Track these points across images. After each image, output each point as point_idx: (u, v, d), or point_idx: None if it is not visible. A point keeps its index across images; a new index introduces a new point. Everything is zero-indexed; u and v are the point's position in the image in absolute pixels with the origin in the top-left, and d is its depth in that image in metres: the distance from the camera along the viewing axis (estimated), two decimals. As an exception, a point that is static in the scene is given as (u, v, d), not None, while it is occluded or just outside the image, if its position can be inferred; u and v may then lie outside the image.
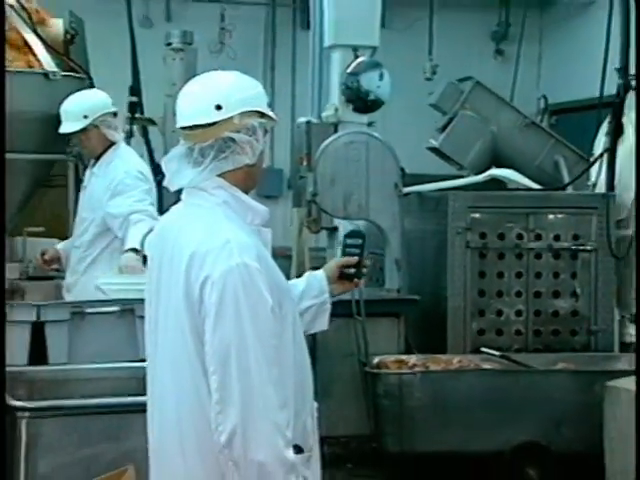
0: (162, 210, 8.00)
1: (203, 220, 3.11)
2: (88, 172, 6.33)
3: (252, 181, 3.19)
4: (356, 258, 3.46)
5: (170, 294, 3.10)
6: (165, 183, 3.23)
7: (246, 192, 3.18)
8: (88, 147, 6.23)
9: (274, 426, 2.90)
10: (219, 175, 3.11)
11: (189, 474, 3.03)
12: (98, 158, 6.23)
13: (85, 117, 6.07)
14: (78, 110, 6.09)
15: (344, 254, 3.51)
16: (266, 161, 3.30)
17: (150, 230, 5.77)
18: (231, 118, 3.08)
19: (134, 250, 5.92)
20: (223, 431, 2.87)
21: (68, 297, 6.11)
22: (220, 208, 3.10)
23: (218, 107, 3.08)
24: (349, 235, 3.58)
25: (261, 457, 2.86)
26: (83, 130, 6.09)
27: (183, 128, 3.16)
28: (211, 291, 2.95)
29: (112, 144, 6.23)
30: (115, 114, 6.27)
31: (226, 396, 2.89)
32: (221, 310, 2.94)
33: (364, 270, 3.52)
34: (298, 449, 3.05)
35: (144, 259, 5.73)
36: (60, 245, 6.44)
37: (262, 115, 3.14)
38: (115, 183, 6.13)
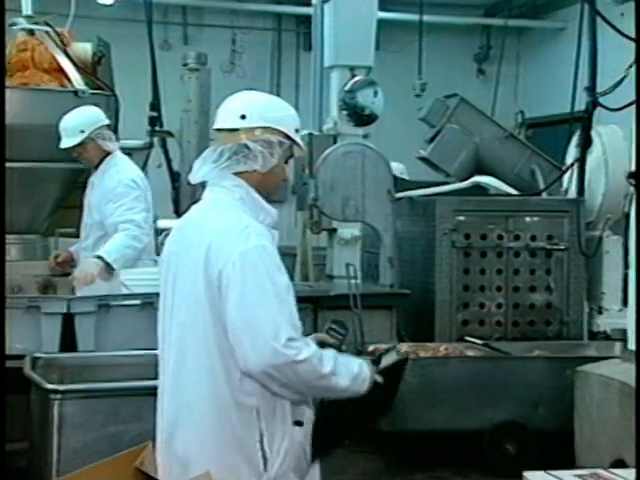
0: (178, 211, 8.05)
1: (222, 211, 3.12)
2: (89, 181, 6.23)
3: (265, 189, 3.18)
4: (336, 342, 3.27)
5: (189, 279, 3.08)
6: (189, 177, 3.28)
7: None
8: (86, 158, 6.10)
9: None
10: (237, 176, 3.14)
11: (204, 445, 3.02)
12: (96, 167, 6.12)
13: (81, 132, 5.96)
14: (74, 126, 5.97)
15: (327, 334, 3.34)
16: (287, 178, 3.27)
17: (130, 243, 5.79)
18: (253, 129, 3.12)
19: (99, 257, 5.77)
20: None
21: (78, 293, 6.03)
22: (237, 203, 3.11)
23: (242, 117, 3.13)
24: (335, 322, 3.36)
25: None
26: (81, 143, 5.97)
27: (215, 130, 3.22)
28: (232, 271, 2.95)
29: (108, 154, 6.11)
30: (109, 126, 6.17)
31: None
32: (244, 285, 2.94)
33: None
34: (298, 423, 3.08)
35: (108, 267, 5.69)
36: (73, 247, 6.35)
37: (287, 137, 3.16)
38: (108, 191, 6.01)
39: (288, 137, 3.16)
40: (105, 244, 5.89)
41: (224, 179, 3.13)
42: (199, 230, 3.12)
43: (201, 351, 3.03)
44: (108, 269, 5.75)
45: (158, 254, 3.42)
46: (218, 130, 3.19)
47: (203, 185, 3.25)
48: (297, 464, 3.06)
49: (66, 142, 5.95)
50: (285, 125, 3.16)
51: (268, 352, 2.89)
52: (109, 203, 5.97)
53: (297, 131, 3.20)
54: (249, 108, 3.15)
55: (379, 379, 3.14)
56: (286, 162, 3.20)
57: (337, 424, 3.18)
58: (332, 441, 3.23)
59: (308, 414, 3.14)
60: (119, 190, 5.96)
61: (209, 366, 3.01)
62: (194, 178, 3.21)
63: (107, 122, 6.11)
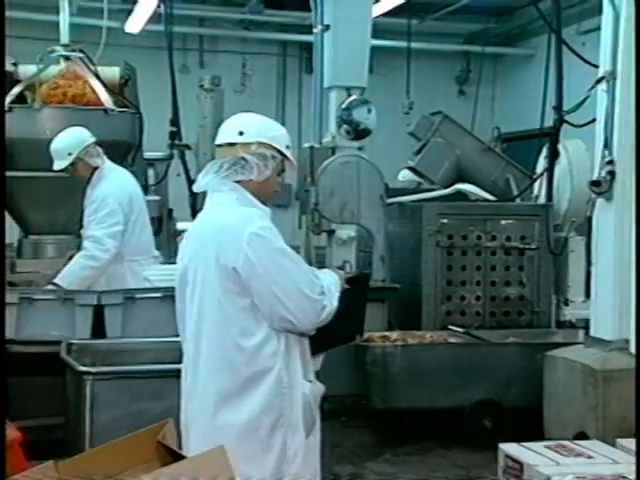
0: (195, 214, 8.04)
1: (224, 209, 3.15)
2: (86, 194, 5.97)
3: (262, 193, 3.19)
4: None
5: (201, 265, 3.11)
6: (193, 187, 3.34)
7: None
8: (78, 176, 5.89)
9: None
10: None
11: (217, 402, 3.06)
12: (89, 181, 5.90)
13: (69, 154, 5.76)
14: (62, 149, 5.78)
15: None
16: (279, 189, 3.28)
17: (85, 264, 5.60)
18: (249, 144, 3.14)
19: (55, 284, 5.61)
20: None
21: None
22: (235, 202, 3.13)
23: (240, 133, 3.16)
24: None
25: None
26: (71, 164, 5.78)
27: (216, 146, 3.23)
28: (249, 249, 2.99)
29: (96, 168, 5.87)
30: (96, 143, 5.86)
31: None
32: (267, 260, 2.99)
33: None
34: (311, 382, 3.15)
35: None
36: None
37: (280, 153, 3.18)
38: (88, 204, 5.83)
39: (280, 153, 3.18)
40: (63, 269, 5.70)
41: (223, 186, 3.14)
42: (206, 228, 3.15)
43: (221, 326, 3.05)
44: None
45: (175, 251, 3.41)
46: (219, 146, 3.20)
47: None
48: (305, 413, 3.09)
49: (57, 165, 5.79)
50: (277, 142, 3.19)
51: (313, 306, 3.01)
52: (87, 216, 5.81)
53: (288, 147, 3.21)
54: (246, 126, 3.18)
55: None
56: (279, 175, 3.21)
57: (326, 331, 3.19)
58: (323, 344, 3.26)
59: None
60: (94, 205, 5.78)
61: (220, 341, 3.04)
62: (197, 187, 3.24)
63: (92, 140, 5.86)
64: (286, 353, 3.06)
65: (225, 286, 3.02)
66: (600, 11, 5.09)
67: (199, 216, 3.29)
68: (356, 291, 3.35)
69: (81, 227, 6.11)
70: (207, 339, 3.09)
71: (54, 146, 5.81)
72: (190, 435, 3.16)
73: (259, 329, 3.03)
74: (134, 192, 6.05)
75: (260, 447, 3.01)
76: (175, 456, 2.83)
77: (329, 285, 3.11)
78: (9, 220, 7.12)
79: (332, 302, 3.07)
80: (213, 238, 3.07)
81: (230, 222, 3.06)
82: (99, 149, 5.90)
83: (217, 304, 3.05)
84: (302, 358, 3.11)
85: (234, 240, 3.00)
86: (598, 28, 5.15)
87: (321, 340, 3.20)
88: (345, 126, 8.04)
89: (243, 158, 3.12)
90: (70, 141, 5.81)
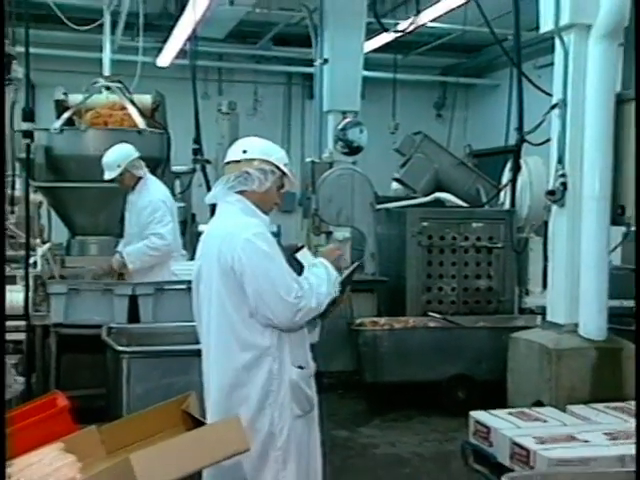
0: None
1: (227, 217, 3.12)
2: (127, 199, 6.00)
3: (263, 204, 3.16)
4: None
5: (207, 265, 3.09)
6: (205, 199, 3.31)
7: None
8: (125, 185, 5.88)
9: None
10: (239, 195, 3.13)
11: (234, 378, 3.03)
12: (133, 189, 5.90)
13: (118, 166, 5.74)
14: (112, 161, 5.75)
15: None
16: (279, 202, 3.22)
17: (147, 252, 5.70)
18: (252, 160, 3.12)
19: (120, 255, 5.76)
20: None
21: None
22: (239, 211, 3.11)
23: (244, 151, 3.15)
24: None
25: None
26: (119, 175, 5.77)
27: (224, 164, 3.22)
28: (242, 253, 2.95)
29: (140, 178, 5.88)
30: (139, 157, 5.86)
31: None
32: (255, 262, 2.94)
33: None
34: (301, 367, 3.08)
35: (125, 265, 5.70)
36: (120, 246, 6.08)
37: (278, 169, 3.15)
38: (143, 208, 5.82)
39: (279, 169, 3.15)
40: (131, 247, 5.80)
41: (229, 196, 3.12)
42: (214, 233, 3.14)
43: (222, 317, 3.03)
44: (125, 266, 5.71)
45: (194, 250, 3.41)
46: (227, 163, 3.19)
47: None
48: (294, 395, 3.03)
49: (108, 175, 5.77)
50: (276, 160, 3.15)
51: (287, 308, 2.93)
52: (145, 217, 5.80)
53: (285, 165, 3.18)
54: (250, 146, 3.16)
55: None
56: (278, 189, 3.17)
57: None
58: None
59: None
60: (150, 209, 5.79)
61: (230, 326, 3.01)
62: (208, 199, 3.22)
63: (137, 155, 5.85)
64: (278, 344, 3.01)
65: (225, 283, 3.00)
66: (553, 50, 5.10)
67: (210, 222, 3.27)
68: (348, 276, 3.31)
69: (121, 229, 6.13)
70: (214, 329, 3.07)
71: (105, 159, 5.79)
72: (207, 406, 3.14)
73: (255, 324, 2.99)
74: (171, 199, 6.09)
75: (252, 422, 2.96)
76: (197, 422, 2.84)
77: (314, 283, 3.03)
78: (59, 223, 7.14)
79: (310, 302, 2.98)
80: (217, 242, 3.05)
81: (231, 229, 3.04)
82: (141, 162, 5.90)
83: (219, 300, 3.03)
84: (291, 347, 3.04)
85: (231, 244, 2.98)
86: (551, 64, 5.14)
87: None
88: (341, 144, 8.06)
89: (247, 172, 3.10)
90: (119, 155, 5.80)
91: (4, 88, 4.62)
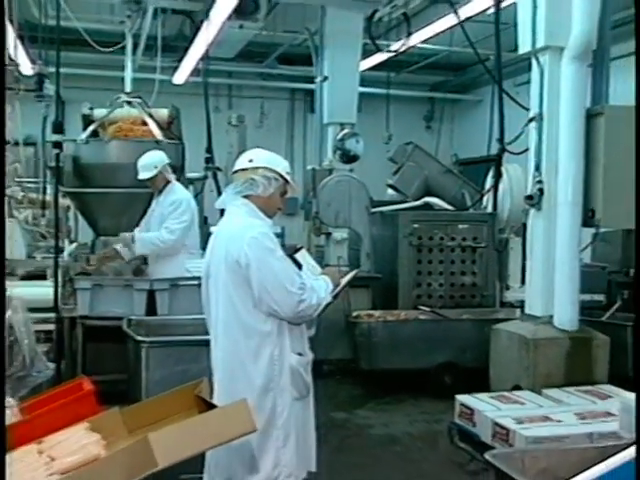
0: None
1: (234, 219, 3.13)
2: (154, 200, 6.03)
3: (265, 210, 3.16)
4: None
5: (216, 262, 3.09)
6: (215, 204, 3.31)
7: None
8: (155, 185, 5.92)
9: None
10: (245, 199, 3.13)
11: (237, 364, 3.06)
12: (160, 191, 5.96)
13: (155, 167, 5.82)
14: (150, 163, 5.82)
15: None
16: (282, 207, 3.23)
17: (154, 241, 5.74)
18: (257, 168, 3.13)
19: (132, 238, 5.75)
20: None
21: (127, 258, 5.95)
22: (245, 214, 3.12)
23: (250, 160, 3.17)
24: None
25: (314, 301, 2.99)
26: (154, 176, 5.84)
27: (233, 173, 3.23)
28: (249, 250, 2.96)
29: (168, 182, 5.95)
30: (170, 164, 5.96)
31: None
32: (259, 260, 2.95)
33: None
34: (300, 354, 3.09)
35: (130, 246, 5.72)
36: (136, 231, 6.05)
37: (281, 176, 3.16)
38: (165, 208, 5.87)
39: (281, 176, 3.16)
40: (144, 234, 5.85)
41: (236, 200, 3.13)
42: (222, 233, 3.14)
43: (229, 308, 3.04)
44: (130, 247, 5.74)
45: (204, 249, 3.43)
46: (235, 172, 3.20)
47: None
48: (293, 380, 3.05)
49: (144, 175, 5.81)
50: (279, 168, 3.17)
51: (291, 297, 2.94)
52: (168, 213, 5.85)
53: (288, 173, 3.19)
54: (255, 156, 3.18)
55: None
56: (281, 196, 3.18)
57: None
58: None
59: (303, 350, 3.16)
60: (173, 207, 5.84)
61: (235, 315, 3.02)
62: (218, 205, 3.23)
63: (168, 161, 5.95)
64: (278, 332, 3.02)
65: (232, 277, 3.00)
66: (530, 69, 5.11)
67: (219, 224, 3.28)
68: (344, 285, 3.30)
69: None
70: (222, 320, 3.08)
71: (143, 161, 5.83)
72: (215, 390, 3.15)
73: (258, 313, 3.00)
74: (194, 202, 6.14)
75: (257, 404, 2.95)
76: (209, 406, 2.85)
77: (315, 286, 3.03)
78: (85, 224, 7.14)
79: (312, 298, 2.98)
80: (224, 241, 3.06)
81: (237, 229, 3.05)
82: (170, 168, 5.96)
83: (226, 292, 3.03)
84: (291, 336, 3.05)
85: (238, 242, 2.99)
86: (529, 81, 5.16)
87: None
88: (339, 153, 8.09)
89: (252, 178, 3.12)
90: (156, 158, 5.88)
91: (4, 97, 4.63)
